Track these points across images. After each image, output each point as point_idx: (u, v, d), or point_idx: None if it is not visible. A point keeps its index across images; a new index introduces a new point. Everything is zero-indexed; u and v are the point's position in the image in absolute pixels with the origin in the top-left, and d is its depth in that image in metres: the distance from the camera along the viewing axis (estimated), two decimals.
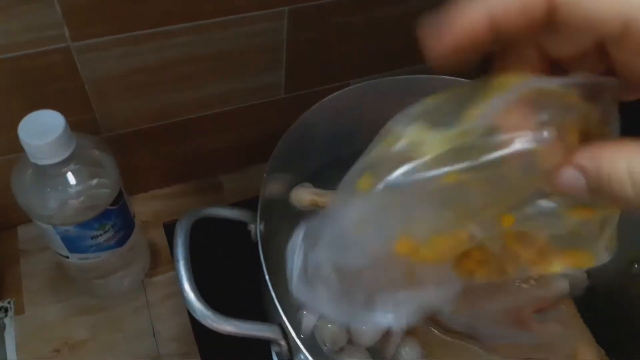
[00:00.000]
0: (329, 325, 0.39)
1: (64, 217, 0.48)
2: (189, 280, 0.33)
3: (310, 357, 0.32)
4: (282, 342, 0.34)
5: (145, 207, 0.67)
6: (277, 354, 0.36)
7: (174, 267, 0.44)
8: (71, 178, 0.46)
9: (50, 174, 0.45)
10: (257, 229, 0.36)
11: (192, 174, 0.68)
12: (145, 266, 0.63)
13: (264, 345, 0.50)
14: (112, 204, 0.50)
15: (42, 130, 0.42)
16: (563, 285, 0.41)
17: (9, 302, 0.59)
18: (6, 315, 0.59)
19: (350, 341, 0.40)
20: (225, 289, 0.54)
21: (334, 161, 0.50)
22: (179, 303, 0.61)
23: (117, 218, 0.52)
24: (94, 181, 0.48)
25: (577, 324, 0.41)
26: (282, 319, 0.33)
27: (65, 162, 0.44)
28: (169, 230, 0.59)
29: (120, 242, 0.54)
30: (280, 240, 0.43)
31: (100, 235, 0.51)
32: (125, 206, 0.53)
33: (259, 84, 0.61)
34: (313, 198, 0.47)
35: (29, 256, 0.63)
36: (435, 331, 0.41)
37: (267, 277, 0.33)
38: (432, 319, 0.41)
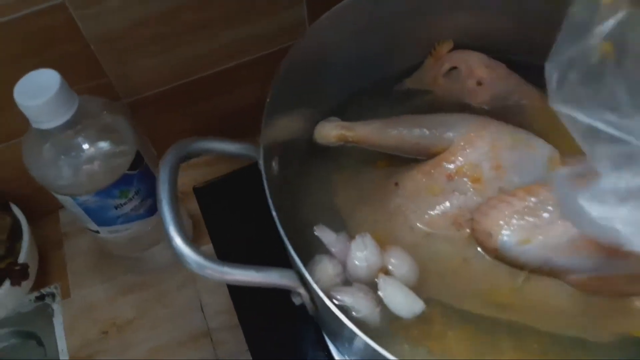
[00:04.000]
0: (327, 265, 0.33)
1: (79, 185, 0.44)
2: (176, 223, 0.28)
3: (330, 303, 0.26)
4: (302, 291, 0.28)
5: (181, 176, 0.63)
6: (300, 306, 0.31)
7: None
8: (80, 142, 0.43)
9: (57, 139, 0.42)
10: (260, 163, 0.30)
11: (224, 134, 0.63)
12: (188, 237, 0.59)
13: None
14: (131, 169, 0.46)
15: (38, 91, 0.39)
16: None
17: (55, 287, 0.58)
18: (54, 301, 0.57)
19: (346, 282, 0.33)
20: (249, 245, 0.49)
21: (361, 90, 0.43)
22: None
23: (139, 184, 0.48)
24: (106, 144, 0.44)
25: None
26: (294, 260, 0.27)
27: (70, 125, 0.41)
28: (201, 194, 0.55)
29: (151, 211, 0.51)
30: (300, 183, 0.37)
31: (124, 204, 0.47)
32: (149, 171, 0.49)
33: (279, 26, 0.55)
34: (341, 133, 0.40)
35: (71, 238, 0.62)
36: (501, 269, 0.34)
37: (274, 213, 0.28)
38: (492, 253, 0.34)
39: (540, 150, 0.36)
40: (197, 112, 0.60)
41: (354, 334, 0.26)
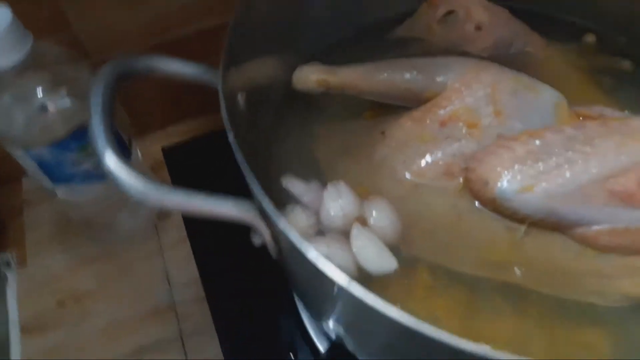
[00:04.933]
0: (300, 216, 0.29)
1: (32, 136, 0.40)
2: (109, 138, 0.24)
3: (297, 241, 0.21)
4: (262, 227, 0.24)
5: (155, 146, 0.59)
6: (260, 247, 0.26)
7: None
8: (33, 87, 0.39)
9: (9, 83, 0.38)
10: (219, 88, 0.26)
11: (200, 107, 0.59)
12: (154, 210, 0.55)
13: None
14: None
15: None
16: None
17: (11, 255, 0.54)
18: (8, 268, 0.53)
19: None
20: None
21: (347, 36, 0.39)
22: None
23: None
24: (64, 95, 0.40)
25: None
26: (253, 185, 0.22)
27: (24, 68, 0.37)
28: (169, 154, 0.50)
29: None
30: (276, 133, 0.33)
31: (83, 160, 0.43)
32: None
33: None
34: (323, 77, 0.36)
35: (32, 207, 0.57)
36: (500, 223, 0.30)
37: (231, 135, 0.23)
38: (488, 204, 0.30)
39: (546, 95, 0.32)
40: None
41: (322, 279, 0.21)
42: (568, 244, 0.28)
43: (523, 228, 0.29)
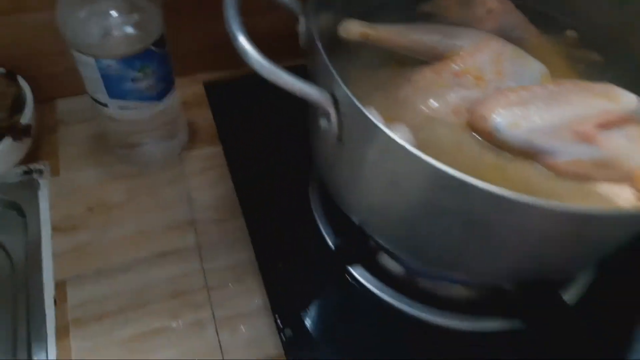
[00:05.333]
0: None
1: (107, 47, 0.47)
2: (240, 22, 0.31)
3: (365, 110, 0.30)
4: (331, 111, 0.32)
5: (188, 89, 0.66)
6: (324, 132, 0.34)
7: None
8: (112, 6, 0.46)
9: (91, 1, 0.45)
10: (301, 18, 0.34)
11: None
12: (183, 140, 0.62)
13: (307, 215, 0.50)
14: (155, 46, 0.49)
15: None
16: (631, 101, 0.38)
17: (44, 164, 0.59)
18: (41, 176, 0.58)
19: None
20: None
21: (374, 10, 0.48)
22: (217, 175, 0.59)
23: (158, 65, 0.51)
24: (136, 16, 0.47)
25: None
26: (334, 76, 0.31)
27: None
28: (210, 89, 0.58)
29: (159, 96, 0.53)
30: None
31: (141, 79, 0.50)
32: (167, 58, 0.52)
33: None
34: (365, 30, 0.45)
35: (67, 126, 0.63)
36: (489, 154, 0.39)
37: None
38: (484, 135, 0.39)
39: (536, 66, 0.42)
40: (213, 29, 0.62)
41: (389, 148, 0.30)
42: (540, 170, 0.38)
43: (509, 155, 0.38)
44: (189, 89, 0.66)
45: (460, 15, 0.47)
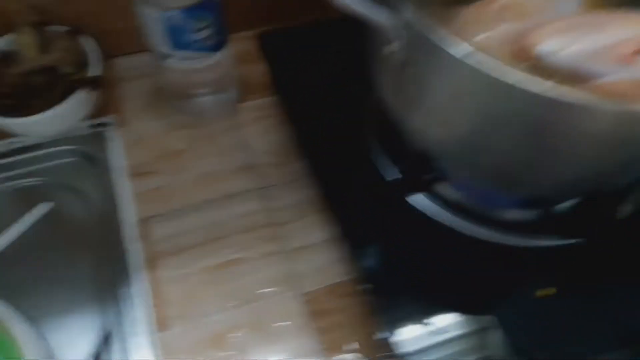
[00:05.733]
0: None
1: None
2: None
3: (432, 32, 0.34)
4: (399, 34, 0.35)
5: (238, 45, 0.69)
6: (389, 57, 0.38)
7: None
8: None
9: None
10: None
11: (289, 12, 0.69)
12: (237, 93, 0.66)
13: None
14: None
15: None
16: None
17: (111, 117, 0.64)
18: (109, 129, 0.63)
19: None
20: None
21: None
22: (270, 124, 0.64)
23: (215, 15, 0.54)
24: None
25: None
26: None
27: None
28: (266, 39, 0.62)
29: (216, 47, 0.57)
30: None
31: (202, 29, 0.54)
32: (222, 9, 0.56)
33: None
34: None
35: (127, 82, 0.67)
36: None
37: None
38: (531, 61, 0.42)
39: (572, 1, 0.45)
40: None
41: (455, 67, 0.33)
42: (583, 91, 0.41)
43: (553, 81, 0.42)
44: (239, 45, 0.69)
45: None
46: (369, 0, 0.36)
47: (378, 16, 0.36)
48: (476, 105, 0.38)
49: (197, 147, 0.62)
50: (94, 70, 0.61)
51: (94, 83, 0.60)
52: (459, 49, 0.35)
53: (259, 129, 0.64)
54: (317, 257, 0.53)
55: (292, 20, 0.66)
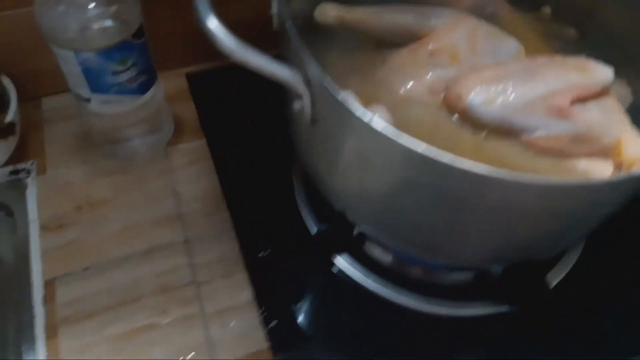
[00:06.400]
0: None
1: (85, 40, 0.47)
2: (210, 4, 0.31)
3: (335, 91, 0.30)
4: (304, 92, 0.32)
5: (172, 82, 0.66)
6: (299, 115, 0.34)
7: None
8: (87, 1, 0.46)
9: None
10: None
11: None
12: (169, 133, 0.62)
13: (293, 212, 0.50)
14: (134, 37, 0.49)
15: None
16: (605, 74, 0.38)
17: (31, 163, 0.59)
18: (28, 176, 0.58)
19: None
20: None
21: None
22: (203, 169, 0.59)
23: (138, 56, 0.51)
24: (114, 8, 0.47)
25: (620, 116, 0.38)
26: (307, 58, 0.31)
27: None
28: (193, 79, 0.58)
29: (142, 89, 0.53)
30: None
31: (122, 72, 0.50)
32: (146, 49, 0.52)
33: None
34: (339, 13, 0.45)
35: (53, 123, 0.63)
36: (465, 133, 0.39)
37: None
38: (460, 113, 0.39)
39: (511, 43, 0.42)
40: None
41: (361, 130, 0.30)
42: (516, 147, 0.38)
43: (484, 133, 0.38)
44: (173, 82, 0.66)
45: None
46: (271, 58, 0.32)
47: (281, 73, 0.32)
48: (384, 171, 0.34)
49: (122, 195, 0.57)
50: (11, 114, 0.56)
51: (9, 129, 0.55)
52: (364, 111, 0.31)
53: (190, 175, 0.59)
54: (239, 321, 0.48)
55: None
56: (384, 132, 0.30)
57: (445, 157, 0.29)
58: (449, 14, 0.43)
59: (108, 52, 0.48)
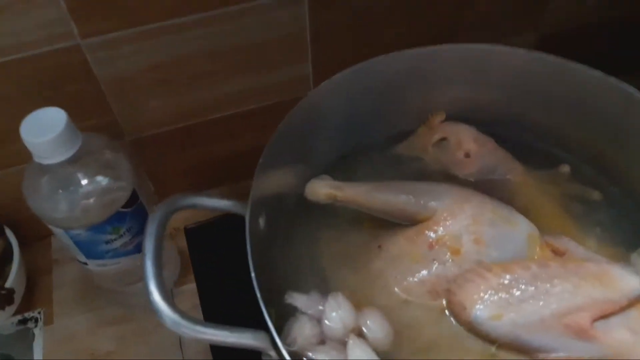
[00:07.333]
0: (305, 325, 0.34)
1: (74, 219, 0.46)
2: (156, 278, 0.29)
3: None
4: (272, 353, 0.29)
5: (175, 214, 0.64)
6: None
7: None
8: (79, 177, 0.44)
9: (57, 174, 0.44)
10: (246, 220, 0.32)
11: (222, 178, 0.65)
12: (174, 275, 0.60)
13: None
14: (125, 206, 0.48)
15: (44, 128, 0.41)
16: (633, 285, 0.33)
17: (39, 312, 0.59)
18: (36, 326, 0.58)
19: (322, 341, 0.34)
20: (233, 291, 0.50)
21: (353, 150, 0.44)
22: None
23: (132, 221, 0.49)
24: (104, 180, 0.46)
25: None
26: (267, 324, 0.28)
27: (71, 161, 0.43)
28: (192, 235, 0.56)
29: (139, 248, 0.52)
30: (288, 238, 0.39)
31: (115, 239, 0.49)
32: (143, 209, 0.50)
33: (284, 79, 0.57)
34: (331, 192, 0.42)
35: (61, 266, 0.63)
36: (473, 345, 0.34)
37: (253, 275, 0.29)
38: (465, 325, 0.35)
39: (521, 227, 0.37)
40: (196, 153, 0.62)
41: None
42: None
43: (493, 349, 0.34)
44: (177, 214, 0.64)
45: (438, 158, 0.43)
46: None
47: (244, 340, 0.29)
48: None
49: (126, 348, 0.56)
50: (12, 278, 0.56)
51: (7, 299, 0.55)
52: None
53: None
54: None
55: None
56: None
57: None
58: (449, 195, 0.39)
59: (98, 227, 0.47)
